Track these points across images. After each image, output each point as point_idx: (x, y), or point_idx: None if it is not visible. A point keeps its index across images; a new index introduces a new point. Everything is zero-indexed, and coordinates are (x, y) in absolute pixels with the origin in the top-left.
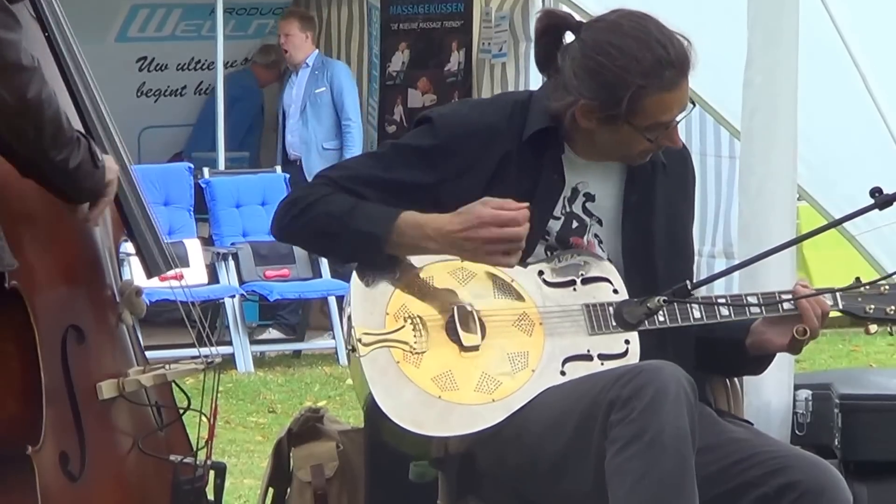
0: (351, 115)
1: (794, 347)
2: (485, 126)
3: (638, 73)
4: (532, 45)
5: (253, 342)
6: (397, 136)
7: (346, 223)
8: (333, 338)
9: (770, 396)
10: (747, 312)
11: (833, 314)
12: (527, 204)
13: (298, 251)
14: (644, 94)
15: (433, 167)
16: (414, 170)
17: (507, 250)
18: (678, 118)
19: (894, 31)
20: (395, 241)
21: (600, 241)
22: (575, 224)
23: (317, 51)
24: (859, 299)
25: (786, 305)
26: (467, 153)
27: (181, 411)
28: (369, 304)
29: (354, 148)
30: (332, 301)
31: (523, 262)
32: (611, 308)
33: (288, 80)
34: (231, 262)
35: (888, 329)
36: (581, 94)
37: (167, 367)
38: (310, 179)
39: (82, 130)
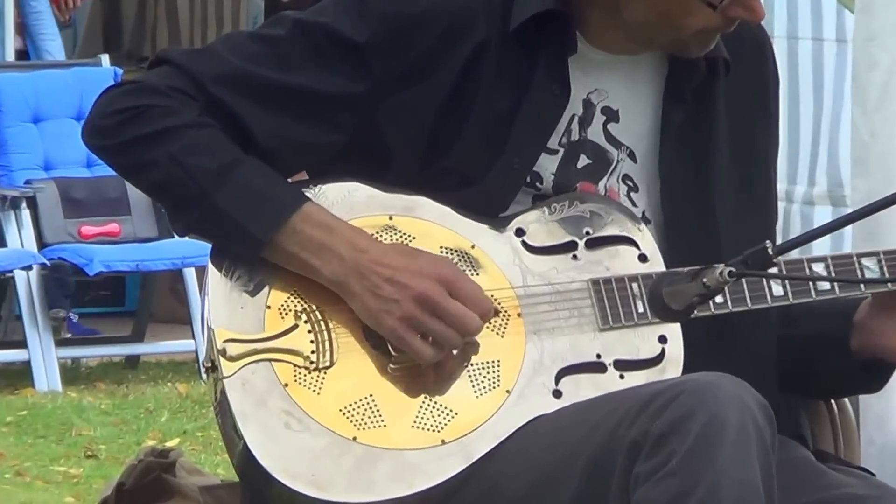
0: None
1: None
2: (448, 5)
3: None
4: None
5: (60, 343)
6: (299, 5)
7: (212, 196)
8: (192, 334)
9: None
10: (862, 285)
11: None
12: (493, 308)
13: (136, 195)
14: None
15: (364, 69)
16: (332, 72)
17: (432, 335)
18: None
19: None
20: (279, 244)
21: (632, 187)
22: (586, 160)
23: None
24: None
25: None
26: (420, 46)
27: None
28: (238, 292)
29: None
30: (190, 275)
31: (495, 219)
32: (636, 285)
33: None
34: (25, 213)
35: None
36: None
37: None
38: None
39: None
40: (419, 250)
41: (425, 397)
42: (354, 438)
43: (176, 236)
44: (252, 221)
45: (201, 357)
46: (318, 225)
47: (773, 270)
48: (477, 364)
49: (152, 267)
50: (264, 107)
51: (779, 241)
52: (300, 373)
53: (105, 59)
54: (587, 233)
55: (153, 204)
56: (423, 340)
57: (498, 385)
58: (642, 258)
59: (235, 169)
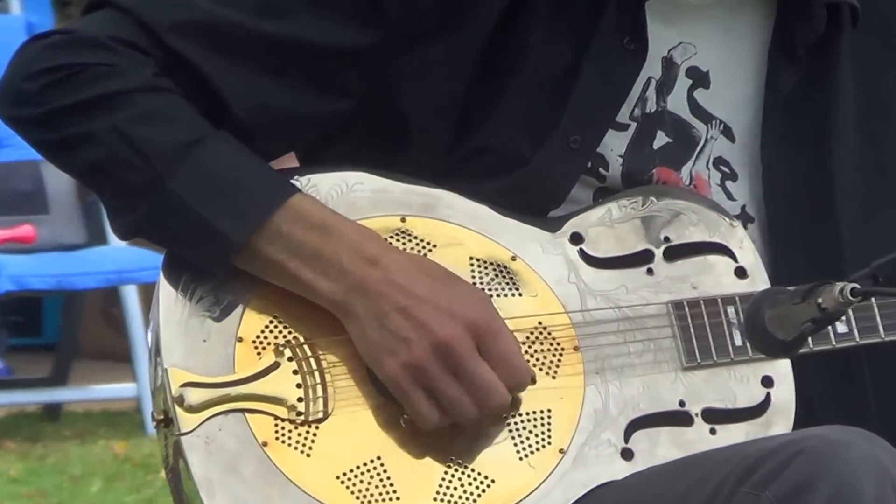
0: None
1: None
2: None
3: None
4: None
5: None
6: None
7: (168, 181)
8: (133, 375)
9: None
10: None
11: None
12: (529, 378)
13: (56, 188)
14: None
15: (375, 14)
16: (332, 18)
17: (440, 398)
18: None
19: None
20: (258, 249)
21: (727, 175)
22: (665, 138)
23: None
24: None
25: None
26: None
27: None
28: (200, 318)
29: None
30: (130, 295)
31: (544, 219)
32: (731, 309)
33: None
34: None
35: None
36: None
37: None
38: None
39: None
40: (450, 273)
41: (451, 461)
42: None
43: (112, 242)
44: (222, 216)
45: (147, 407)
46: (311, 225)
47: None
48: (521, 415)
49: (79, 284)
50: (242, 65)
51: None
52: (283, 428)
53: (15, 2)
54: (666, 238)
55: (81, 199)
56: (429, 399)
57: (549, 443)
58: (740, 272)
59: (201, 146)
